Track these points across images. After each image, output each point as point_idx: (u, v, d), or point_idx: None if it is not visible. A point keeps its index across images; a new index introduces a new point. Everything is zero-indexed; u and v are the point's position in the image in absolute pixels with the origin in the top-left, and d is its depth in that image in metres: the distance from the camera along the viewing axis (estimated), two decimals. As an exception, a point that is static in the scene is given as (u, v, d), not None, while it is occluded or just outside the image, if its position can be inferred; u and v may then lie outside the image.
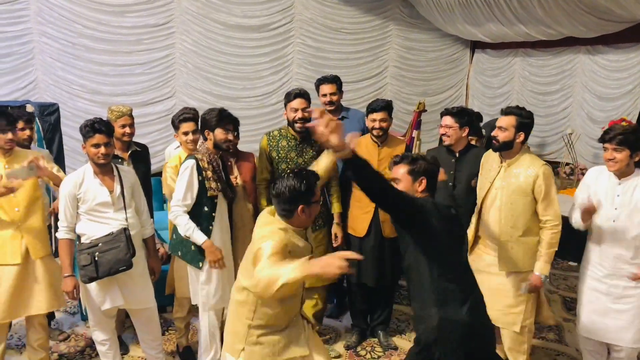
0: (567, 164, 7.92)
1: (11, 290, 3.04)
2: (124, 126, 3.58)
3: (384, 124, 3.70)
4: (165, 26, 7.96)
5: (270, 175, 3.71)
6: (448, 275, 2.43)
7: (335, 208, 3.84)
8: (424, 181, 2.58)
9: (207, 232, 3.18)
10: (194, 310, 3.68)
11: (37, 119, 4.84)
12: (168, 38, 8.02)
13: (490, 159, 3.30)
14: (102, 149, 2.97)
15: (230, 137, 3.26)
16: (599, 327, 2.98)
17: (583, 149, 7.86)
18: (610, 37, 7.56)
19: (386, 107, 3.75)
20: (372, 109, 3.72)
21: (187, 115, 3.57)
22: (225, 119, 3.22)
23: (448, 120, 3.61)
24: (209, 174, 3.16)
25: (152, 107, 7.96)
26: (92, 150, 2.96)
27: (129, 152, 3.67)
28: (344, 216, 3.89)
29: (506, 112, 3.12)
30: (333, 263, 2.01)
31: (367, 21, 9.25)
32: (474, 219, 3.33)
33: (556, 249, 3.08)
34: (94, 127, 2.94)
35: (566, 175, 7.86)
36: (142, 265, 3.20)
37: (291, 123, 3.68)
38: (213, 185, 3.16)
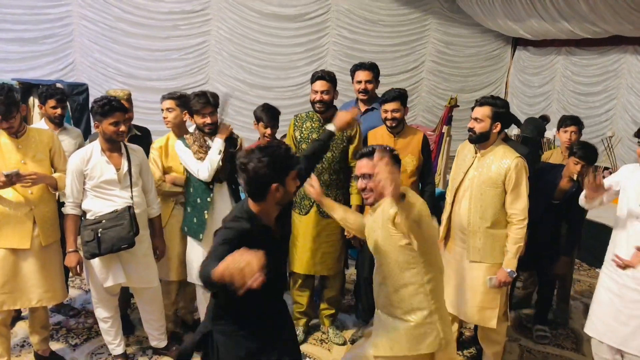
0: (606, 168, 7.59)
1: (13, 275, 3.00)
2: None
3: (397, 114, 3.58)
4: (202, 13, 8.03)
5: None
6: None
7: (354, 200, 3.75)
8: None
9: (206, 205, 3.28)
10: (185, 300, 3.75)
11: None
12: (204, 25, 8.10)
13: (465, 149, 3.21)
14: (122, 127, 3.00)
15: (208, 120, 3.23)
16: (607, 330, 2.85)
17: (625, 154, 7.52)
18: (660, 37, 7.20)
19: (399, 96, 3.63)
20: (384, 99, 3.62)
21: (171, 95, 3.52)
22: (198, 104, 3.20)
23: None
24: (195, 148, 3.23)
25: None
26: (110, 128, 2.96)
27: (128, 136, 3.67)
28: (361, 209, 3.80)
29: (481, 102, 3.00)
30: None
31: (406, 14, 9.10)
32: (445, 214, 3.22)
33: (522, 244, 2.95)
34: (113, 106, 2.97)
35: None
36: (147, 245, 3.20)
37: (313, 104, 3.65)
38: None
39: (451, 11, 9.31)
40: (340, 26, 8.77)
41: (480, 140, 3.02)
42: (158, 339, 3.43)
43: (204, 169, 3.21)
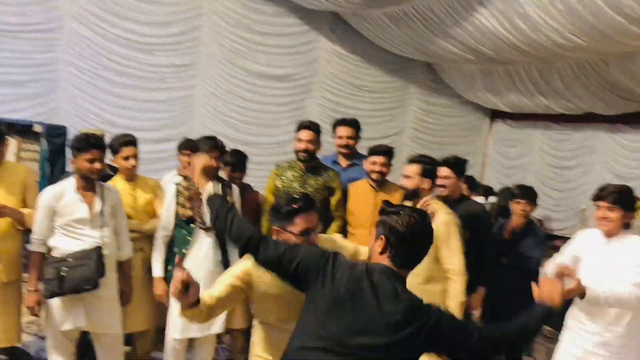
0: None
1: None
2: None
3: (384, 169, 3.62)
4: (190, 67, 8.15)
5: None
6: None
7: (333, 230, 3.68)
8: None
9: (181, 255, 3.24)
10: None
11: (44, 139, 4.90)
12: (191, 79, 8.20)
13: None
14: (97, 164, 2.95)
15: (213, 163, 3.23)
16: None
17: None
18: (631, 117, 7.46)
19: (388, 152, 3.69)
20: (373, 151, 3.66)
21: (129, 138, 3.48)
22: (206, 146, 3.21)
23: (445, 171, 3.52)
24: (182, 199, 3.24)
25: (168, 145, 7.97)
26: (85, 165, 2.92)
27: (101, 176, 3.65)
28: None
29: (411, 160, 3.23)
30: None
31: (389, 81, 9.35)
32: None
33: (463, 300, 2.95)
34: (90, 142, 2.93)
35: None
36: (112, 288, 3.08)
37: (296, 153, 3.66)
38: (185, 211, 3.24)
39: (433, 81, 9.59)
40: (325, 89, 8.95)
41: (413, 195, 3.11)
42: (116, 389, 3.24)
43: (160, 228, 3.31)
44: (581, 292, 2.47)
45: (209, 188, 2.72)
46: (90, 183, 3.01)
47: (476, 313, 3.81)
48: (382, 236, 1.95)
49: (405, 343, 1.82)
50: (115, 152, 3.40)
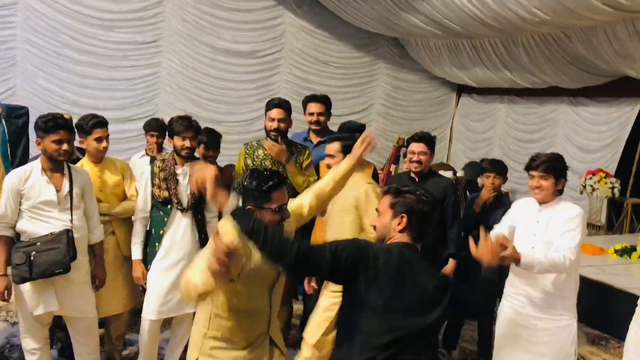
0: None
1: None
2: None
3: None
4: (153, 44, 7.96)
5: None
6: None
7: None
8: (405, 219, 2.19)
9: (158, 237, 3.22)
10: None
11: (3, 120, 4.72)
12: (155, 56, 8.01)
13: None
14: (65, 145, 2.87)
15: (187, 143, 3.19)
16: None
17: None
18: (593, 90, 7.64)
19: (359, 129, 3.71)
20: (343, 129, 3.67)
21: (100, 119, 3.39)
22: (180, 127, 3.17)
23: (422, 147, 3.56)
24: (158, 181, 3.19)
25: (133, 124, 7.80)
26: (52, 146, 2.83)
27: (71, 159, 3.54)
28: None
29: (331, 139, 3.26)
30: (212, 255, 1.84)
31: (357, 57, 9.33)
32: None
33: None
34: (58, 123, 2.84)
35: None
36: (85, 272, 3.02)
37: (268, 132, 3.62)
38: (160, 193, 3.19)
39: (400, 57, 9.61)
40: (293, 65, 8.88)
41: None
42: (91, 372, 3.20)
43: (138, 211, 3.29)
44: (516, 259, 2.54)
45: (231, 201, 2.32)
46: (58, 165, 2.93)
47: None
48: (404, 215, 2.15)
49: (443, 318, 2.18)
50: (86, 133, 3.29)
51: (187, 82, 8.20)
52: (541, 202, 2.87)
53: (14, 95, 7.21)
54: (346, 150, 2.97)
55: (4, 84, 7.21)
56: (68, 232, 2.86)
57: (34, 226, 2.87)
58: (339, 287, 2.22)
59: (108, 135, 3.37)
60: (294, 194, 3.58)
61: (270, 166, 3.56)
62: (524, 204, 3.02)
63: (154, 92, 8.06)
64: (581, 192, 7.35)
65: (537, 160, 2.81)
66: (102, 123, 3.32)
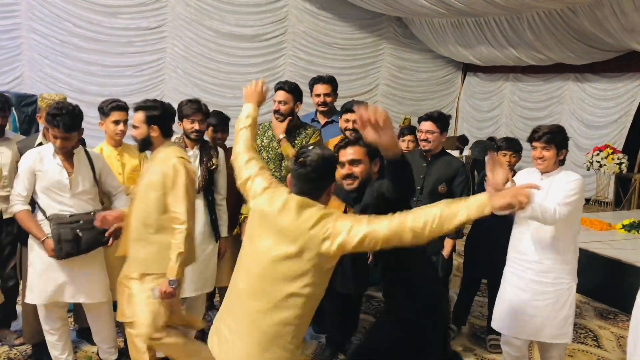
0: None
1: None
2: None
3: (356, 125, 3.64)
4: (157, 30, 7.96)
5: None
6: None
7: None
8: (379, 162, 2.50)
9: None
10: None
11: (13, 108, 4.77)
12: (159, 42, 8.02)
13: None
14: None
15: (197, 126, 3.22)
16: (517, 325, 2.98)
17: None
18: (599, 66, 7.61)
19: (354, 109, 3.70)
20: (346, 108, 3.67)
21: (120, 103, 3.42)
22: (190, 110, 3.21)
23: (429, 125, 3.57)
24: None
25: (139, 110, 7.89)
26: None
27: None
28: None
29: (135, 109, 2.86)
30: (521, 192, 1.78)
31: (360, 38, 9.30)
32: None
33: (183, 251, 2.73)
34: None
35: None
36: (98, 257, 3.08)
37: (274, 113, 3.66)
38: None
39: (404, 37, 9.57)
40: (297, 47, 8.87)
41: (145, 145, 2.87)
42: (107, 352, 3.28)
43: None
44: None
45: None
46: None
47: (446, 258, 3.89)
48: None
49: None
50: (105, 115, 3.35)
51: (193, 67, 8.22)
52: (543, 172, 2.94)
53: (21, 84, 7.25)
54: (151, 121, 2.75)
55: (11, 73, 7.25)
56: (95, 213, 2.95)
57: (53, 205, 2.93)
58: None
59: (127, 120, 3.40)
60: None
61: (276, 147, 3.60)
62: (527, 173, 3.09)
63: (160, 78, 8.10)
64: (588, 169, 7.35)
65: (539, 132, 2.90)
66: (121, 107, 3.38)
